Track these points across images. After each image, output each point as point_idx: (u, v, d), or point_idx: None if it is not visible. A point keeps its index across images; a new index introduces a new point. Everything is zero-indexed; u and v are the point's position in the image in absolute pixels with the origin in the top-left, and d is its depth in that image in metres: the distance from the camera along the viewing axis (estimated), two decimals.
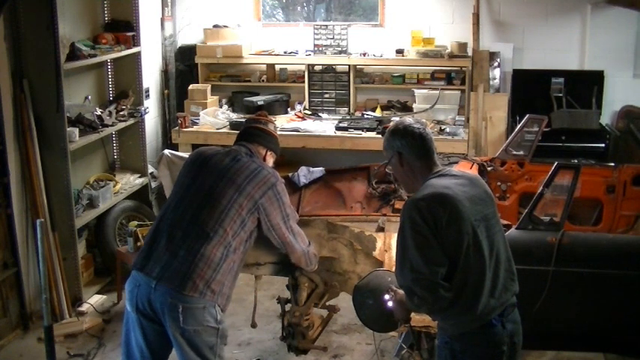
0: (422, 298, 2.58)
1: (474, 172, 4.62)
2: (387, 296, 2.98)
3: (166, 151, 4.64)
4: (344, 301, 4.12)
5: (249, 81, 7.19)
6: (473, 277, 2.64)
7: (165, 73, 7.00)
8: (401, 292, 2.82)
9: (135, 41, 5.95)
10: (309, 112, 6.94)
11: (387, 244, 3.75)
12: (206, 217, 3.17)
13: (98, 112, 5.49)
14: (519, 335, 2.86)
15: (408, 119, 2.90)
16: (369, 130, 6.40)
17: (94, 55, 5.38)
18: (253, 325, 4.22)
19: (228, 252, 3.17)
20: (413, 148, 2.77)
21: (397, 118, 6.77)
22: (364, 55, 6.86)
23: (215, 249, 3.14)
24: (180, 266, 3.11)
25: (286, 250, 3.47)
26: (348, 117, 6.83)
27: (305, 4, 7.48)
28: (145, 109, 6.08)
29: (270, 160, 3.58)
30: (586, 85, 6.37)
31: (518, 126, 5.05)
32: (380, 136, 6.17)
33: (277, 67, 7.13)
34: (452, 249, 2.60)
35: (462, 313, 2.67)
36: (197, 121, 6.71)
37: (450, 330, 2.75)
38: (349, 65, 6.87)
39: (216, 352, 3.23)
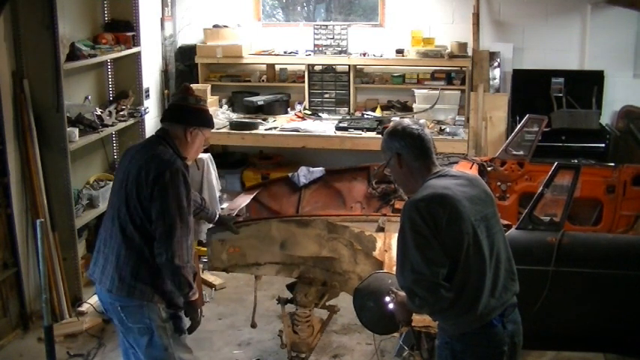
0: (423, 298, 2.58)
1: (473, 172, 4.62)
2: (387, 298, 2.97)
3: None
4: (344, 301, 4.12)
5: (249, 81, 7.19)
6: (473, 277, 2.64)
7: (165, 73, 7.00)
8: (402, 293, 2.81)
9: (135, 41, 5.94)
10: (309, 112, 6.94)
11: (387, 244, 3.75)
12: (118, 216, 3.17)
13: (98, 112, 5.49)
14: (520, 335, 2.86)
15: (407, 120, 2.89)
16: (369, 130, 6.40)
17: (94, 55, 5.38)
18: (253, 325, 4.23)
19: (145, 248, 3.12)
20: (412, 149, 2.76)
21: (397, 118, 6.81)
22: (364, 55, 6.86)
23: (126, 248, 3.14)
24: (109, 267, 3.18)
25: (161, 245, 3.09)
26: (348, 117, 6.83)
27: (305, 4, 7.48)
28: (145, 109, 6.08)
29: (198, 137, 3.29)
30: (586, 85, 6.37)
31: (518, 126, 5.05)
32: (380, 136, 6.19)
33: (277, 67, 7.13)
34: (452, 249, 2.60)
35: (462, 314, 2.67)
36: None
37: (450, 330, 2.75)
38: (349, 65, 6.87)
39: (167, 349, 3.20)
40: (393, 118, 6.71)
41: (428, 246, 2.56)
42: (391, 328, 3.26)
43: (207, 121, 3.35)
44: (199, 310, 3.32)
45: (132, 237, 3.13)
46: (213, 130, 6.38)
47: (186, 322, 3.32)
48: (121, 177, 3.23)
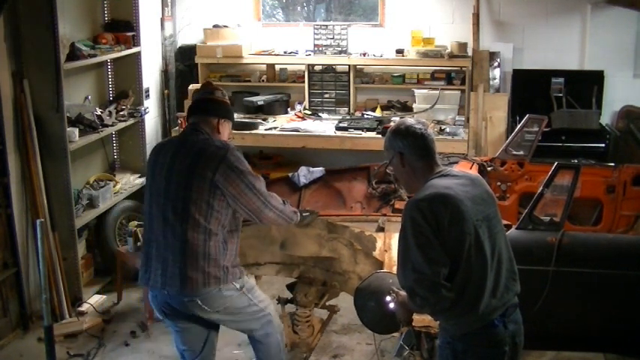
0: (424, 298, 2.58)
1: (474, 172, 4.62)
2: (388, 298, 2.98)
3: None
4: (344, 301, 4.12)
5: (249, 81, 7.18)
6: (475, 277, 2.64)
7: (165, 73, 7.00)
8: (403, 293, 2.81)
9: (135, 41, 5.95)
10: (309, 112, 6.94)
11: (387, 244, 3.75)
12: (172, 214, 3.17)
13: (98, 112, 5.49)
14: (521, 336, 2.86)
15: (410, 119, 2.88)
16: (369, 130, 6.39)
17: (94, 55, 5.38)
18: None
19: (209, 237, 3.16)
20: (414, 149, 2.76)
21: (397, 118, 6.81)
22: (364, 55, 6.85)
23: (194, 240, 3.14)
24: (173, 268, 3.16)
25: (257, 218, 3.32)
26: (348, 117, 6.83)
27: (305, 4, 7.48)
28: (145, 109, 6.08)
29: (226, 128, 3.43)
30: (586, 85, 6.37)
31: (518, 126, 5.05)
32: (380, 136, 6.21)
33: (277, 67, 7.13)
34: (454, 249, 2.59)
35: (464, 314, 2.66)
36: None
37: (451, 330, 2.74)
38: (349, 65, 6.87)
39: (254, 304, 3.38)
40: (393, 118, 6.71)
41: (429, 245, 2.56)
42: (392, 328, 3.26)
43: (232, 114, 3.50)
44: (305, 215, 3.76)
45: (194, 230, 3.13)
46: None
47: None
48: (164, 176, 3.21)
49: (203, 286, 3.16)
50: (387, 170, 3.28)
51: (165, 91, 6.99)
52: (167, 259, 3.18)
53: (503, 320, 2.73)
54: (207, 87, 3.51)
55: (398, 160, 2.79)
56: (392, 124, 2.94)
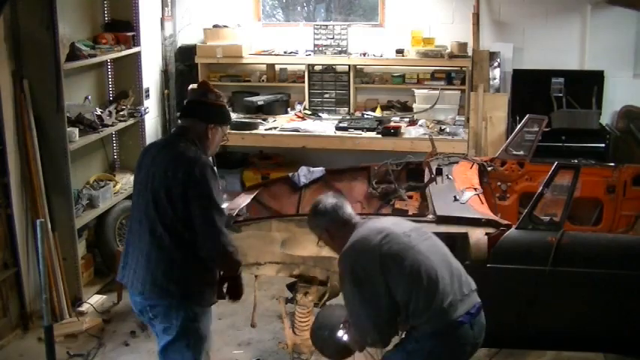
0: (373, 343, 2.91)
1: (473, 172, 4.62)
2: (340, 332, 3.19)
3: None
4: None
5: (249, 81, 7.19)
6: (427, 278, 2.84)
7: (165, 73, 7.00)
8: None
9: (135, 41, 5.95)
10: (309, 112, 6.94)
11: None
12: (145, 219, 3.16)
13: (98, 112, 5.49)
14: (482, 337, 3.00)
15: (322, 197, 3.21)
16: (369, 130, 6.39)
17: (94, 55, 5.38)
18: (253, 325, 4.23)
19: (175, 247, 3.11)
20: (335, 222, 3.10)
21: (397, 118, 6.82)
22: (364, 55, 6.85)
23: (158, 249, 3.13)
24: (140, 270, 3.17)
25: (200, 245, 3.13)
26: (348, 117, 6.83)
27: (305, 4, 7.48)
28: (145, 109, 6.08)
29: (217, 134, 3.30)
30: (586, 85, 6.37)
31: (518, 126, 5.05)
32: (380, 136, 6.22)
33: (277, 67, 7.13)
34: (393, 265, 2.85)
35: (429, 314, 2.83)
36: None
37: (421, 330, 2.88)
38: (349, 65, 6.87)
39: (188, 347, 3.21)
40: (393, 118, 6.72)
41: (367, 294, 2.85)
42: (346, 355, 3.39)
43: (227, 118, 3.38)
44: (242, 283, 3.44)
45: (162, 238, 3.11)
46: None
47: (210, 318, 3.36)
48: (143, 178, 3.21)
49: (158, 295, 3.14)
50: (319, 245, 3.50)
51: (166, 91, 6.99)
52: (138, 261, 3.19)
53: (471, 321, 2.87)
54: (201, 88, 3.40)
55: (326, 236, 3.15)
56: (311, 207, 3.24)
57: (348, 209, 3.14)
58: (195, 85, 6.70)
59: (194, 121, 3.27)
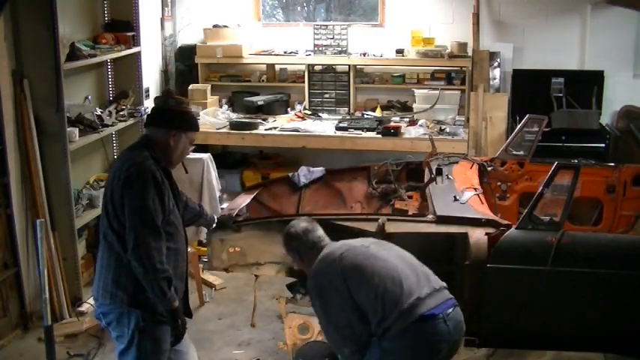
0: (350, 356, 2.97)
1: (473, 172, 4.63)
2: None
3: None
4: None
5: (249, 81, 7.19)
6: (389, 281, 2.92)
7: (165, 73, 7.00)
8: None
9: (135, 41, 5.95)
10: (309, 112, 6.94)
11: None
12: (102, 224, 3.17)
13: (98, 112, 5.49)
14: (461, 334, 3.03)
15: (295, 221, 3.36)
16: (369, 130, 6.39)
17: (94, 55, 5.38)
18: (253, 325, 4.23)
19: (122, 254, 3.07)
20: (306, 244, 3.23)
21: (397, 118, 6.82)
22: (364, 55, 6.86)
23: (108, 254, 3.13)
24: (96, 275, 3.21)
25: (130, 243, 3.02)
26: (348, 117, 6.83)
27: (305, 4, 7.48)
28: (145, 109, 6.07)
29: (181, 141, 3.19)
30: (586, 85, 6.37)
31: (518, 126, 5.05)
32: (380, 136, 6.23)
33: (277, 67, 7.13)
34: (355, 274, 2.95)
35: (393, 317, 2.87)
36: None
37: (392, 332, 2.90)
38: (349, 65, 6.87)
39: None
40: (393, 118, 6.72)
41: (335, 305, 2.95)
42: None
43: (189, 124, 3.23)
44: (180, 319, 3.15)
45: (112, 243, 3.10)
46: (213, 130, 6.49)
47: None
48: (106, 187, 3.24)
49: (108, 301, 3.13)
50: (294, 266, 3.71)
51: None
52: (96, 267, 3.23)
53: (444, 316, 2.91)
54: (162, 95, 3.33)
55: (298, 257, 3.30)
56: (284, 232, 3.35)
57: (319, 232, 3.27)
58: (198, 86, 6.74)
59: (154, 128, 3.20)
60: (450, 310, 2.96)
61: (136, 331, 3.10)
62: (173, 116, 3.18)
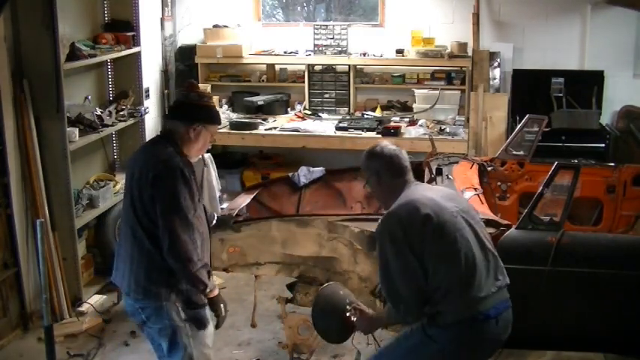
0: (405, 313, 2.82)
1: (473, 172, 4.63)
2: (348, 315, 3.09)
3: None
4: None
5: (249, 81, 7.19)
6: (463, 264, 2.77)
7: (165, 73, 7.00)
8: (362, 307, 3.07)
9: (135, 41, 5.95)
10: (309, 112, 6.95)
11: None
12: (129, 220, 3.17)
13: (98, 112, 5.49)
14: (507, 334, 2.96)
15: (385, 142, 3.09)
16: (369, 130, 6.40)
17: (94, 55, 5.38)
18: (253, 325, 4.23)
19: (154, 249, 3.09)
20: (389, 168, 2.97)
21: (397, 118, 6.82)
22: (364, 55, 6.86)
23: (138, 250, 3.13)
24: (126, 271, 3.19)
25: (165, 249, 3.06)
26: (348, 117, 6.84)
27: (305, 4, 7.48)
28: (145, 109, 6.08)
29: (202, 135, 3.19)
30: (586, 85, 6.37)
31: (518, 126, 5.05)
32: (380, 136, 6.23)
33: (277, 67, 7.13)
34: (435, 241, 2.76)
35: (454, 301, 2.77)
36: None
37: (439, 319, 2.81)
38: (349, 65, 6.88)
39: (187, 349, 3.18)
40: (393, 118, 6.72)
41: (407, 265, 2.74)
42: (348, 336, 3.37)
43: (210, 117, 3.23)
44: (223, 304, 3.25)
45: (141, 239, 3.11)
46: None
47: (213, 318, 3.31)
48: (127, 179, 3.22)
49: (143, 296, 3.14)
50: (366, 189, 3.42)
51: (166, 91, 6.99)
52: (125, 261, 3.20)
53: (497, 317, 2.82)
54: (185, 89, 3.31)
55: (375, 180, 3.01)
56: (368, 147, 3.13)
57: (406, 163, 2.99)
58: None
59: (176, 122, 3.20)
60: (504, 312, 2.89)
61: (177, 320, 3.14)
62: (195, 110, 3.18)
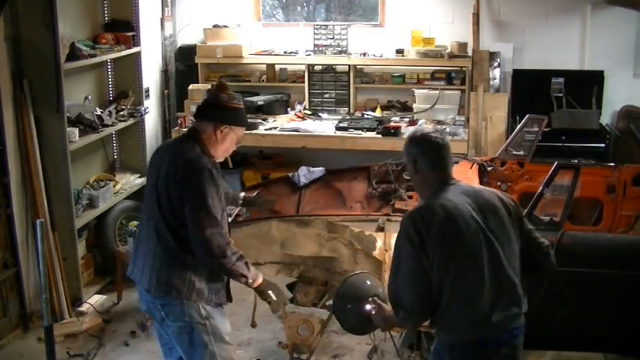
0: (405, 315, 2.65)
1: (473, 172, 4.63)
2: (368, 307, 2.97)
3: None
4: None
5: (249, 81, 7.19)
6: (467, 288, 2.59)
7: (165, 73, 7.00)
8: (384, 306, 2.89)
9: (135, 41, 5.95)
10: (309, 112, 6.94)
11: (387, 244, 3.75)
12: (153, 217, 3.16)
13: (98, 112, 5.50)
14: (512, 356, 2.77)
15: (429, 128, 2.89)
16: (369, 130, 6.39)
17: (94, 55, 5.39)
18: (253, 325, 4.23)
19: (178, 248, 3.11)
20: (427, 157, 2.75)
21: (397, 118, 6.82)
22: (364, 55, 6.85)
23: (162, 249, 3.13)
24: (147, 268, 3.19)
25: (193, 243, 3.08)
26: (348, 117, 6.83)
27: (305, 4, 7.48)
28: (145, 109, 6.08)
29: (229, 136, 3.21)
30: (586, 85, 6.37)
31: (518, 126, 5.05)
32: (380, 136, 6.21)
33: (277, 67, 7.13)
34: (444, 258, 2.57)
35: (453, 324, 2.64)
36: None
37: (443, 338, 2.72)
38: (349, 65, 6.87)
39: (208, 346, 3.19)
40: (393, 118, 6.72)
41: (417, 271, 2.58)
42: (370, 329, 3.25)
43: (238, 120, 3.25)
44: (269, 291, 3.32)
45: (166, 237, 3.11)
46: None
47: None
48: (150, 177, 3.23)
49: (164, 294, 3.14)
50: (404, 176, 3.29)
51: (166, 91, 6.99)
52: (146, 258, 3.20)
53: (499, 345, 2.66)
54: (215, 89, 3.34)
55: (411, 167, 2.80)
56: (412, 130, 2.91)
57: (446, 155, 2.75)
58: (199, 86, 6.73)
59: (203, 122, 3.23)
60: (514, 340, 2.72)
61: (199, 319, 3.16)
62: (224, 111, 3.19)
